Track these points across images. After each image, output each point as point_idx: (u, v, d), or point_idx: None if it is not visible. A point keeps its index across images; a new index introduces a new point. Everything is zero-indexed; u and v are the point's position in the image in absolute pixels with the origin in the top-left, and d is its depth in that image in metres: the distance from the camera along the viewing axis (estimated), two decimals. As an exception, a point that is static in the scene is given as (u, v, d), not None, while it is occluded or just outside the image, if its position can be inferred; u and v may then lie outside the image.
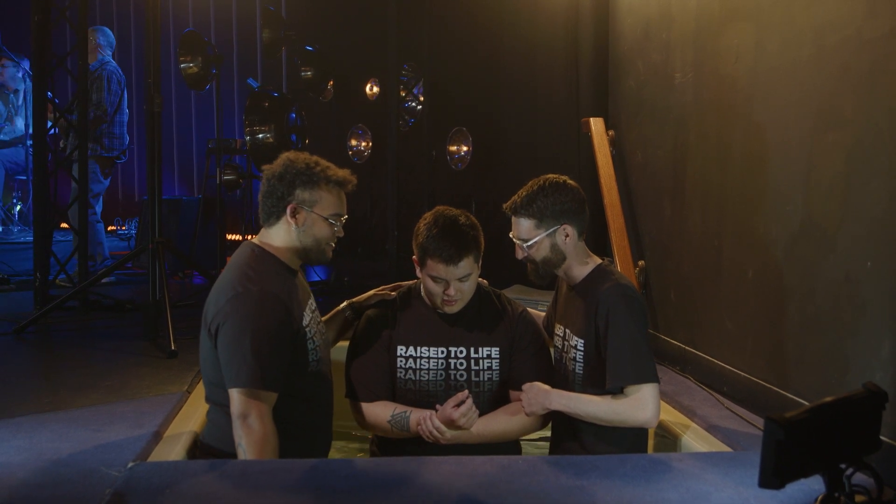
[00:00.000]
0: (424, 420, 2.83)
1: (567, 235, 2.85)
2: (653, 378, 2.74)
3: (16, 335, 4.65)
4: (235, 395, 2.52)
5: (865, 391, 1.92)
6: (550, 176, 2.90)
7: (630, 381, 2.73)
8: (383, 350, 3.01)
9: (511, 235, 2.94)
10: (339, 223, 2.69)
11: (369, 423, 2.97)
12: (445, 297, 2.91)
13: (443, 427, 2.81)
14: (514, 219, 2.91)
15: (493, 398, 3.02)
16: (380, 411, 2.94)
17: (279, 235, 2.68)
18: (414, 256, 2.98)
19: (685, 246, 4.04)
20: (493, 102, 7.32)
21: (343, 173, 2.70)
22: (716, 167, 3.74)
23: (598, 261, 2.96)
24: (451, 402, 2.81)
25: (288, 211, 2.63)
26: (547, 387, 2.83)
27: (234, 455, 2.59)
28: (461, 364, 3.00)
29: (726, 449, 2.91)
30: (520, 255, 2.92)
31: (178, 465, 2.66)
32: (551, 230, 2.83)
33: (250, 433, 2.50)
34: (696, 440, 3.03)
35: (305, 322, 2.72)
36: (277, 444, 2.55)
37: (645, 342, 2.78)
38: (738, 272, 3.51)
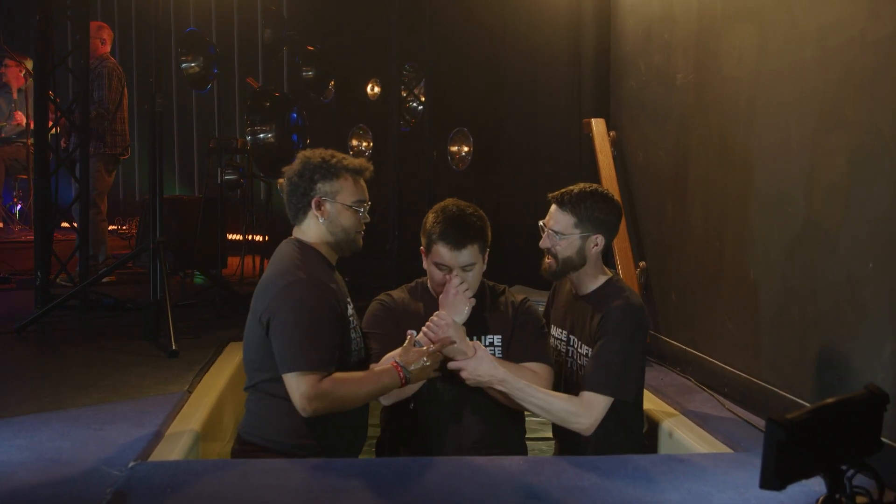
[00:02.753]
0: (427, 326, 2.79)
1: (596, 245, 2.92)
2: (615, 392, 2.77)
3: (17, 334, 4.65)
4: (293, 379, 2.56)
5: (867, 392, 1.92)
6: (601, 188, 2.98)
7: (595, 388, 2.77)
8: (392, 338, 2.93)
9: (543, 223, 2.98)
10: (363, 209, 2.76)
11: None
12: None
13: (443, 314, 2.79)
14: (555, 209, 2.95)
15: None
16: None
17: (310, 230, 2.75)
18: (421, 247, 2.98)
19: (686, 247, 4.04)
20: (494, 103, 7.32)
21: (359, 161, 2.79)
22: (717, 168, 3.74)
23: (609, 274, 3.01)
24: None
25: (313, 205, 2.70)
26: (497, 365, 2.74)
27: (274, 442, 2.66)
28: None
29: (727, 450, 2.91)
30: (546, 243, 2.95)
31: (180, 465, 2.67)
32: (585, 234, 2.89)
33: (321, 401, 2.54)
34: (696, 441, 3.02)
35: (349, 313, 2.79)
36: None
37: (633, 361, 2.83)
38: (740, 273, 3.51)
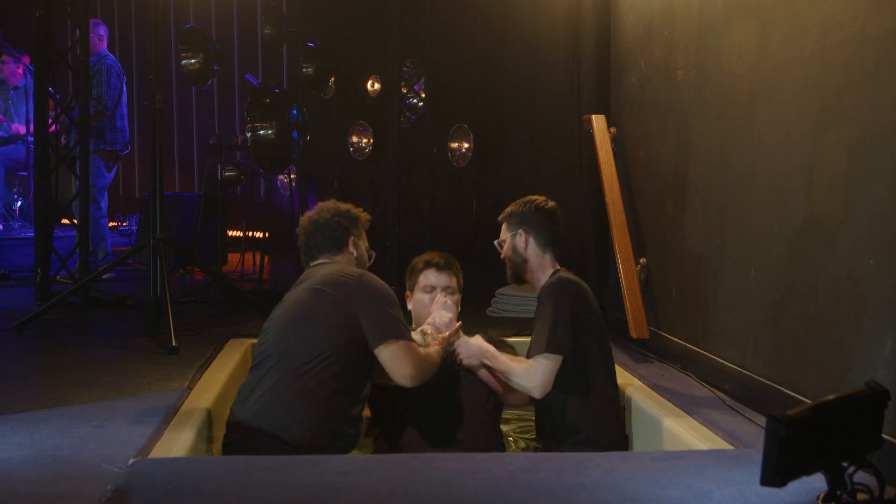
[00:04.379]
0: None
1: (523, 239, 3.39)
2: (552, 349, 3.12)
3: (17, 331, 4.65)
4: (394, 348, 3.05)
5: (868, 389, 1.92)
6: (537, 197, 3.46)
7: (535, 352, 3.18)
8: None
9: None
10: (373, 253, 3.53)
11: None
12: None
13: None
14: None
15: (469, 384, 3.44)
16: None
17: (343, 261, 3.34)
18: (406, 292, 3.63)
19: (687, 243, 4.03)
20: (494, 99, 7.33)
21: (366, 214, 3.49)
22: (718, 164, 3.74)
23: (559, 268, 3.40)
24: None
25: (350, 243, 3.35)
26: (484, 345, 3.35)
27: (284, 434, 2.88)
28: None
29: (728, 447, 2.91)
30: (501, 255, 3.48)
31: (180, 462, 2.67)
32: (513, 233, 3.41)
33: (422, 367, 3.10)
34: (697, 438, 3.02)
35: None
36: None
37: (561, 318, 3.16)
38: (740, 270, 3.51)
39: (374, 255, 3.48)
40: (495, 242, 3.49)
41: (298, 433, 2.89)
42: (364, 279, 3.15)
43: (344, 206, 3.40)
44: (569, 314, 3.17)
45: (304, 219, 3.38)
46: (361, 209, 3.46)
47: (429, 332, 3.35)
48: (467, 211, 7.60)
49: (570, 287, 3.25)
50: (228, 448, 2.99)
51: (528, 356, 3.23)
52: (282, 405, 2.94)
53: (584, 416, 3.22)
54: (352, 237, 3.37)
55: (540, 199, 3.44)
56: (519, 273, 3.43)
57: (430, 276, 3.52)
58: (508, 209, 3.47)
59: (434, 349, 3.26)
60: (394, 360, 3.05)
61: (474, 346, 3.36)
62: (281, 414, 2.92)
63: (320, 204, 3.42)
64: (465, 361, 3.36)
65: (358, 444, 3.19)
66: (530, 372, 3.16)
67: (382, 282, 3.19)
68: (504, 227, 3.46)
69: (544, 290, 3.29)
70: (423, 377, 3.10)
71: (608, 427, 3.27)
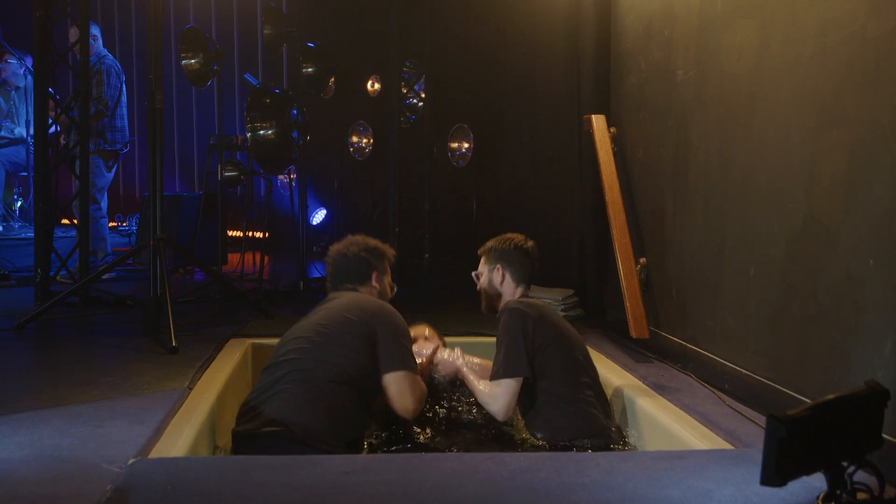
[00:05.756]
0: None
1: (499, 274, 3.64)
2: (510, 373, 3.30)
3: (16, 331, 4.65)
4: (402, 378, 3.28)
5: (867, 389, 1.92)
6: (516, 237, 3.70)
7: (494, 377, 3.37)
8: None
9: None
10: (395, 287, 3.76)
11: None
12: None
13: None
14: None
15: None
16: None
17: (366, 291, 3.59)
18: (373, 271, 3.68)
19: (687, 243, 4.03)
20: (494, 99, 7.32)
21: (391, 249, 3.74)
22: (718, 164, 3.74)
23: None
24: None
25: (373, 277, 3.60)
26: (461, 363, 3.64)
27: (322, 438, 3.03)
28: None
29: (728, 446, 2.91)
30: (478, 286, 3.74)
31: (180, 462, 2.67)
32: (491, 267, 3.67)
33: (422, 401, 3.38)
34: (697, 438, 3.02)
35: None
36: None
37: (513, 343, 3.34)
38: (740, 270, 3.51)
39: (395, 287, 3.74)
40: (473, 274, 3.76)
41: (306, 430, 3.01)
42: (385, 308, 3.41)
43: (372, 243, 3.65)
44: (521, 335, 3.34)
45: (334, 250, 3.64)
46: (388, 246, 3.72)
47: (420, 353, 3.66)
48: (467, 211, 7.60)
49: (517, 310, 3.42)
50: (237, 437, 3.10)
51: (490, 379, 3.41)
52: (296, 406, 3.07)
53: (559, 423, 3.35)
54: (376, 272, 3.62)
55: (519, 238, 3.69)
56: (492, 304, 3.70)
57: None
58: (489, 244, 3.71)
59: (421, 377, 3.49)
60: (399, 390, 3.27)
61: (450, 365, 3.68)
62: (293, 411, 3.05)
63: (350, 237, 3.68)
64: (442, 372, 3.71)
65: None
66: (493, 397, 3.36)
67: (399, 315, 3.42)
68: (483, 259, 3.72)
69: (498, 318, 3.49)
70: (420, 411, 3.37)
71: (583, 425, 3.35)
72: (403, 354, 3.31)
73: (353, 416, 3.18)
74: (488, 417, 3.49)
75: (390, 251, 3.72)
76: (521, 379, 3.32)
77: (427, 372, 3.65)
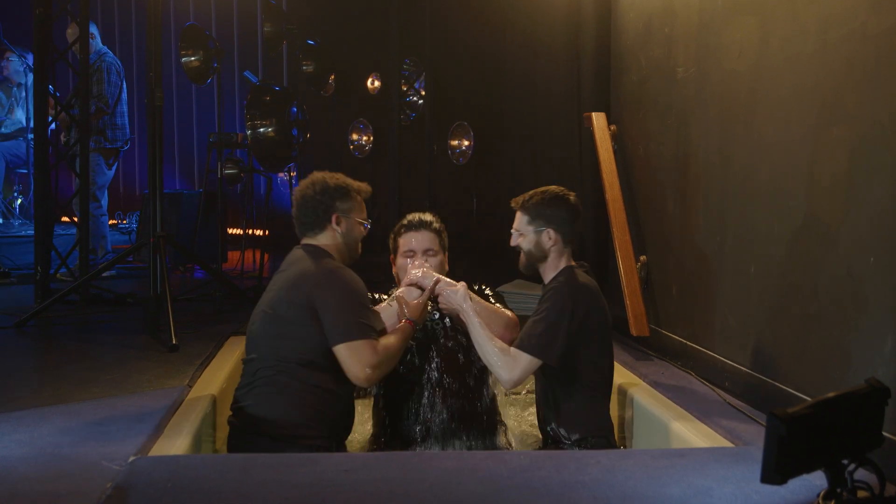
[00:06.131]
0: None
1: (551, 239, 3.27)
2: (538, 353, 3.10)
3: (16, 329, 4.65)
4: (352, 348, 2.99)
5: (868, 387, 1.92)
6: (557, 188, 3.32)
7: (520, 346, 3.13)
8: None
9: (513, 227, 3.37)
10: (367, 224, 3.33)
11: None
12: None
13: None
14: (517, 212, 3.35)
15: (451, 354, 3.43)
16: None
17: (326, 240, 3.22)
18: (391, 256, 3.55)
19: (687, 241, 4.03)
20: (494, 97, 7.31)
21: (365, 185, 3.34)
22: (718, 162, 3.74)
23: (572, 265, 3.31)
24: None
25: (333, 220, 3.21)
26: (468, 301, 3.26)
27: (282, 428, 2.97)
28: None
29: (728, 444, 2.91)
30: (513, 243, 3.35)
31: (180, 459, 2.67)
32: (539, 230, 3.27)
33: (380, 367, 3.03)
34: (697, 436, 3.02)
35: None
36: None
37: (557, 324, 3.12)
38: (740, 267, 3.51)
39: (368, 224, 3.32)
40: (513, 230, 3.33)
41: (288, 426, 2.99)
42: (323, 279, 3.07)
43: (333, 181, 3.24)
44: (566, 320, 3.12)
45: (296, 191, 3.28)
46: (360, 182, 3.32)
47: (401, 295, 3.27)
48: (467, 209, 7.60)
49: (577, 293, 3.18)
50: (233, 429, 3.11)
51: (517, 347, 3.16)
52: (267, 401, 3.04)
53: (581, 414, 3.25)
54: (336, 213, 3.22)
55: (567, 193, 3.31)
56: (535, 267, 3.33)
57: (408, 240, 3.45)
58: (533, 200, 3.28)
59: (401, 329, 3.19)
60: (347, 361, 3.00)
61: (454, 298, 3.27)
62: (268, 408, 3.03)
63: (312, 174, 3.28)
64: (441, 304, 3.31)
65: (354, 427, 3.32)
66: (509, 365, 3.12)
67: (345, 277, 3.10)
68: (524, 218, 3.29)
69: (550, 288, 3.23)
70: (378, 375, 3.06)
71: (601, 421, 3.30)
72: (347, 323, 3.01)
73: (324, 399, 3.05)
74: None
75: (360, 185, 3.31)
76: (540, 362, 3.13)
77: (422, 315, 3.27)
